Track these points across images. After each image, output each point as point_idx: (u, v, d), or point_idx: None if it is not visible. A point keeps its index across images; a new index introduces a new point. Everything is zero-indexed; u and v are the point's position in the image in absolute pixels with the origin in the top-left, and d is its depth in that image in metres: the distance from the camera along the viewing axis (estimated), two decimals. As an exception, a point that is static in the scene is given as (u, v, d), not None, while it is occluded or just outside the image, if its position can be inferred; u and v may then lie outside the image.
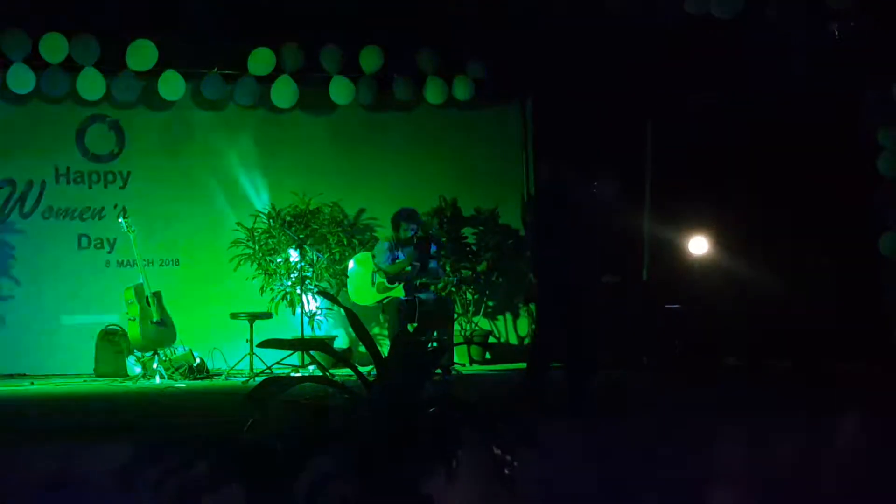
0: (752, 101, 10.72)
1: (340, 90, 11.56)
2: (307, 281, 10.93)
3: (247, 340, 10.23)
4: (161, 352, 10.04)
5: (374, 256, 10.12)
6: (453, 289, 10.97)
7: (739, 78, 10.62)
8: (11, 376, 10.37)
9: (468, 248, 11.84)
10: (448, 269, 10.49)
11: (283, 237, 11.09)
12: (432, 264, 10.02)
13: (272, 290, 11.13)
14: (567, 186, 6.97)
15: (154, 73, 11.01)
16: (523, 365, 10.99)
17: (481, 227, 12.08)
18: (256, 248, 11.25)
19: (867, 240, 10.59)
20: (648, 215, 12.29)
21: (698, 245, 11.74)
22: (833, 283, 10.65)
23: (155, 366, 9.90)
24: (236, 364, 10.40)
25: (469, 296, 11.72)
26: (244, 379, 9.73)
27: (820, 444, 6.65)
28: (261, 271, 11.21)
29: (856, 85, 10.51)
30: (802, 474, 6.52)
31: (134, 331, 9.97)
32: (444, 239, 10.08)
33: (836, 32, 9.70)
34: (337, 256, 11.22)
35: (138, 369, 10.01)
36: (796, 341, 10.62)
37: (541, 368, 7.01)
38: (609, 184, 7.04)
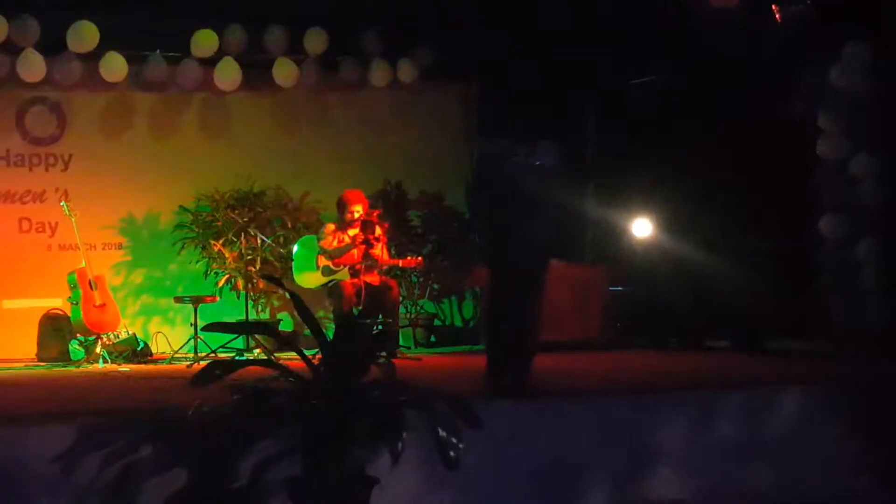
0: (693, 83, 10.81)
1: (284, 72, 11.51)
2: (251, 264, 10.89)
3: (191, 324, 10.18)
4: (104, 336, 9.97)
5: (318, 239, 10.09)
6: (398, 272, 10.98)
7: (681, 59, 10.70)
8: (-49, 361, 10.25)
9: (413, 232, 11.85)
10: (393, 251, 10.48)
11: (227, 220, 11.03)
12: (375, 248, 10.00)
13: (216, 273, 11.08)
14: (508, 163, 6.97)
15: (95, 55, 10.88)
16: (467, 347, 11.12)
17: (426, 211, 12.10)
18: (200, 231, 11.18)
19: (808, 221, 10.72)
20: (591, 198, 12.38)
21: (641, 227, 11.86)
22: (774, 264, 10.78)
23: (98, 350, 9.83)
24: (180, 348, 10.35)
25: (414, 279, 11.74)
26: (188, 363, 9.69)
27: (757, 420, 6.77)
28: (205, 255, 11.16)
29: (795, 68, 10.63)
30: (740, 451, 6.65)
31: (76, 315, 9.89)
32: (386, 225, 10.06)
33: (777, 15, 9.79)
34: (282, 240, 11.19)
35: (81, 354, 9.93)
36: (737, 322, 10.76)
37: (504, 357, 7.00)
38: (549, 153, 7.04)
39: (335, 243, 9.95)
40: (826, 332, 10.41)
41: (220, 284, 11.02)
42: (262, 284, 11.00)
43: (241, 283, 10.98)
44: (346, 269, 9.94)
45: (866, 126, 10.26)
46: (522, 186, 6.92)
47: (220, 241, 11.01)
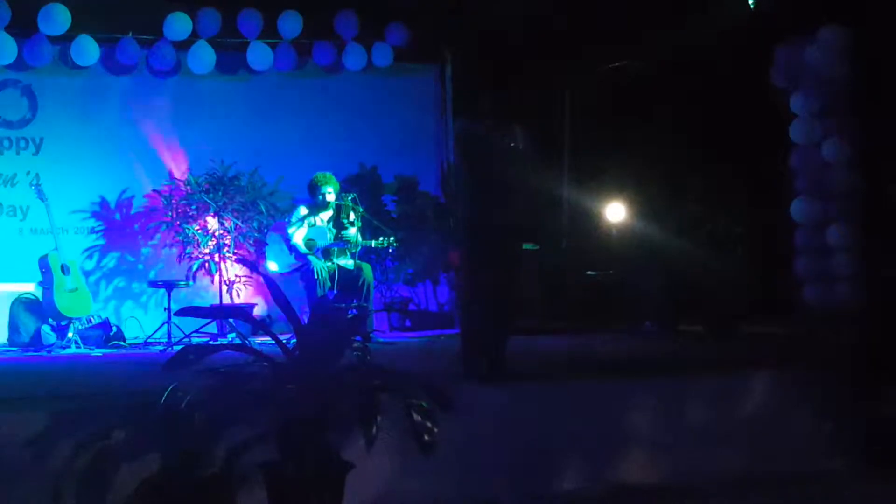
0: (668, 66, 10.83)
1: (258, 56, 11.46)
2: (225, 249, 10.85)
3: (164, 309, 10.15)
4: (76, 320, 9.92)
5: (290, 223, 10.06)
6: (373, 255, 10.96)
7: (653, 43, 10.71)
8: (-78, 346, 10.18)
9: (388, 215, 11.83)
10: (367, 235, 10.46)
11: (201, 204, 10.97)
12: (350, 232, 9.99)
13: (190, 258, 11.04)
14: (483, 146, 6.96)
15: (67, 38, 10.80)
16: (442, 331, 11.11)
17: (401, 194, 12.08)
18: (174, 215, 11.12)
19: (780, 205, 10.77)
20: (567, 182, 12.40)
21: (615, 212, 11.89)
22: (747, 248, 10.83)
23: (70, 335, 9.78)
24: (154, 333, 10.30)
25: (389, 263, 11.72)
26: (162, 347, 9.65)
27: (730, 404, 6.80)
28: (179, 239, 11.10)
29: (768, 49, 10.65)
30: (714, 433, 6.67)
31: (48, 299, 9.83)
32: (360, 209, 10.05)
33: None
34: (255, 224, 11.14)
35: (53, 338, 9.88)
36: (710, 306, 10.80)
37: (478, 340, 6.98)
38: (524, 137, 7.03)
39: (302, 236, 9.91)
40: (799, 315, 10.48)
41: (194, 269, 10.97)
42: (236, 269, 10.96)
43: (214, 267, 10.93)
44: (320, 252, 9.92)
45: (839, 111, 10.31)
46: (497, 169, 6.91)
47: (195, 226, 10.96)
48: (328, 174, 10.09)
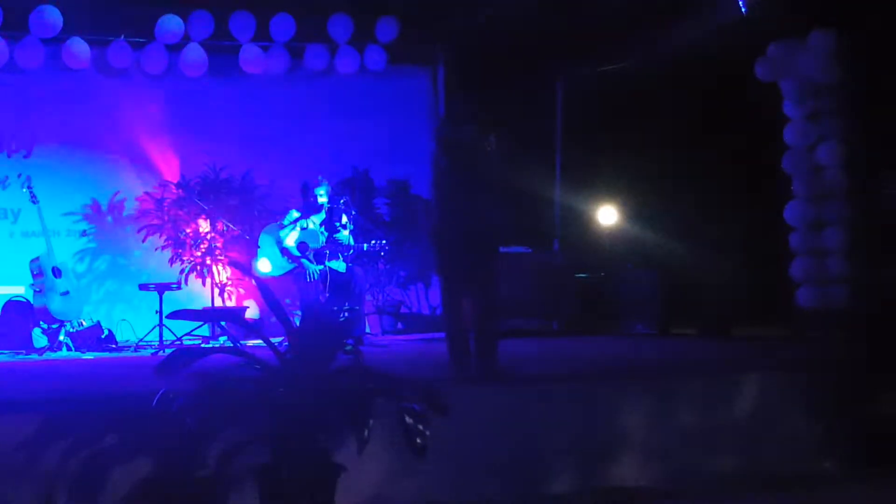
0: (661, 69, 10.83)
1: (251, 58, 11.45)
2: (217, 252, 10.83)
3: (156, 312, 10.12)
4: (68, 323, 9.89)
5: (282, 225, 10.05)
6: (365, 258, 10.95)
7: (648, 45, 10.72)
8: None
9: (380, 219, 11.82)
10: (359, 238, 10.46)
11: (193, 207, 10.95)
12: (342, 234, 9.99)
13: (182, 260, 11.02)
14: (461, 149, 6.95)
15: (59, 40, 10.78)
16: (434, 334, 11.11)
17: (393, 198, 12.06)
18: (166, 218, 11.10)
19: (774, 208, 10.78)
20: (559, 185, 12.41)
21: (608, 214, 11.90)
22: (741, 250, 10.84)
23: (62, 338, 9.75)
24: (145, 336, 10.28)
25: (380, 266, 11.70)
26: (154, 350, 9.63)
27: (723, 406, 6.81)
28: (170, 242, 11.08)
29: (761, 53, 10.68)
30: (707, 436, 6.68)
31: (40, 302, 9.81)
32: (352, 212, 10.05)
33: (742, 4, 9.84)
34: (247, 227, 11.12)
35: (45, 341, 9.85)
36: (704, 308, 10.81)
37: (460, 341, 6.97)
38: (510, 140, 7.02)
39: (294, 239, 9.91)
40: (792, 318, 10.49)
41: (186, 272, 10.95)
42: (228, 272, 10.94)
43: (206, 270, 10.91)
44: (312, 255, 9.91)
45: (833, 113, 10.33)
46: (473, 172, 6.91)
47: (187, 229, 10.94)
48: (320, 177, 10.08)
